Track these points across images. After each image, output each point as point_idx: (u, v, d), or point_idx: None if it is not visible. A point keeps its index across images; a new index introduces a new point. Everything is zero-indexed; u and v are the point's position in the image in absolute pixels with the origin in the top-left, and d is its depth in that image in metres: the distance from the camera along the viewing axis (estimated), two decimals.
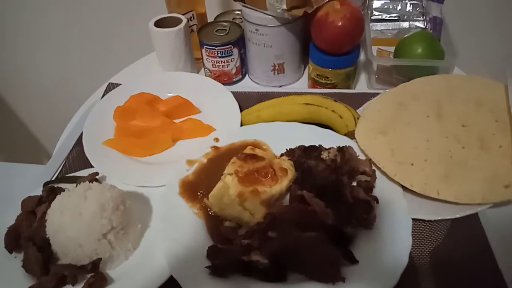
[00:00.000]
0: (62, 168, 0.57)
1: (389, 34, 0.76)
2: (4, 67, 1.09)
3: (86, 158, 0.56)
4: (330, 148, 0.49)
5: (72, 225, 0.41)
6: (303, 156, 0.50)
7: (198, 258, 0.42)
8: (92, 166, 0.55)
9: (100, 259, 0.42)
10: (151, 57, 0.80)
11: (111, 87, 0.68)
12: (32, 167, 0.58)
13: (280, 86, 0.71)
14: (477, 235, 0.43)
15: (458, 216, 0.44)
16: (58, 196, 0.44)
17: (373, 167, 0.47)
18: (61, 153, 0.59)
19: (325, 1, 0.59)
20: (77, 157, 0.58)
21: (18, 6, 0.95)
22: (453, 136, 0.48)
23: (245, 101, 0.63)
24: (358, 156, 0.49)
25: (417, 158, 0.47)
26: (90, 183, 0.46)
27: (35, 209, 0.47)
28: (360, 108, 0.59)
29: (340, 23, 0.57)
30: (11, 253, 0.44)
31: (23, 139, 1.26)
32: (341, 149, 0.48)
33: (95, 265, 0.41)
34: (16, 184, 0.55)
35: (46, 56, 1.05)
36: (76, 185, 0.46)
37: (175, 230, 0.45)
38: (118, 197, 0.44)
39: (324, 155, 0.48)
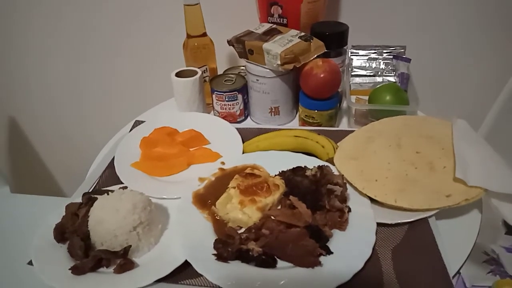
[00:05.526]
0: (96, 184, 0.69)
1: (366, 86, 0.90)
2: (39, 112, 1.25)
3: (116, 177, 0.67)
4: (312, 168, 0.62)
5: (110, 219, 0.53)
6: (291, 175, 0.62)
7: (207, 248, 0.53)
8: (121, 183, 0.67)
9: (130, 246, 0.53)
10: (169, 102, 0.96)
11: (137, 123, 0.82)
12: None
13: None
14: (427, 236, 0.54)
15: (412, 220, 0.55)
16: (99, 197, 0.56)
17: (345, 182, 0.60)
18: (95, 174, 0.71)
19: (310, 59, 0.75)
20: (109, 177, 0.70)
21: (57, 57, 1.12)
22: (408, 160, 0.61)
23: (246, 134, 0.75)
24: (334, 172, 0.61)
25: (380, 176, 0.60)
26: (123, 189, 0.58)
27: (77, 212, 0.59)
28: (340, 141, 0.72)
29: (321, 75, 0.73)
30: (58, 242, 0.55)
31: (49, 174, 1.40)
32: (320, 167, 0.61)
33: (126, 251, 0.52)
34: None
35: (86, 101, 1.22)
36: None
37: (189, 229, 0.56)
38: (146, 200, 0.56)
39: (308, 172, 0.61)
